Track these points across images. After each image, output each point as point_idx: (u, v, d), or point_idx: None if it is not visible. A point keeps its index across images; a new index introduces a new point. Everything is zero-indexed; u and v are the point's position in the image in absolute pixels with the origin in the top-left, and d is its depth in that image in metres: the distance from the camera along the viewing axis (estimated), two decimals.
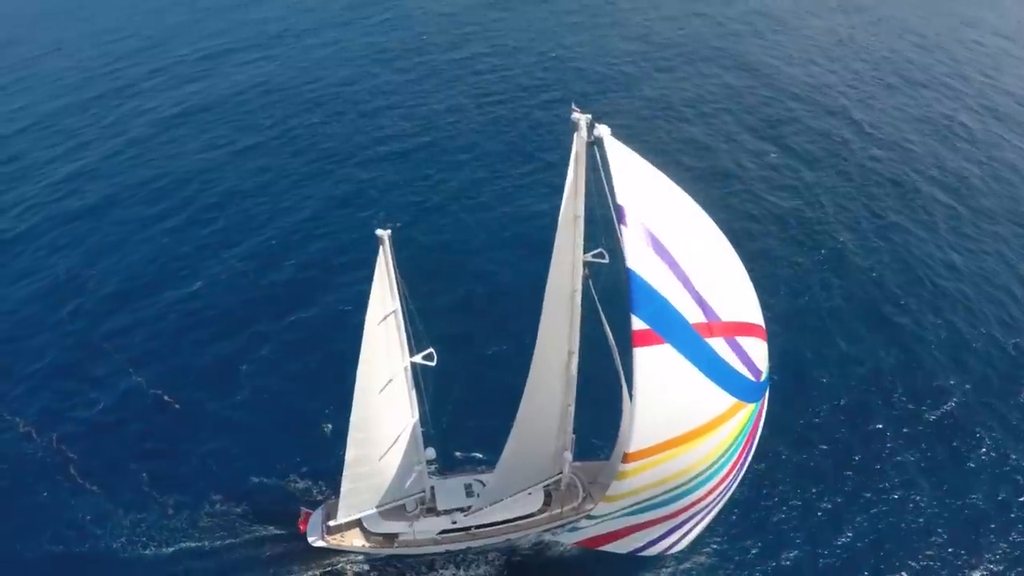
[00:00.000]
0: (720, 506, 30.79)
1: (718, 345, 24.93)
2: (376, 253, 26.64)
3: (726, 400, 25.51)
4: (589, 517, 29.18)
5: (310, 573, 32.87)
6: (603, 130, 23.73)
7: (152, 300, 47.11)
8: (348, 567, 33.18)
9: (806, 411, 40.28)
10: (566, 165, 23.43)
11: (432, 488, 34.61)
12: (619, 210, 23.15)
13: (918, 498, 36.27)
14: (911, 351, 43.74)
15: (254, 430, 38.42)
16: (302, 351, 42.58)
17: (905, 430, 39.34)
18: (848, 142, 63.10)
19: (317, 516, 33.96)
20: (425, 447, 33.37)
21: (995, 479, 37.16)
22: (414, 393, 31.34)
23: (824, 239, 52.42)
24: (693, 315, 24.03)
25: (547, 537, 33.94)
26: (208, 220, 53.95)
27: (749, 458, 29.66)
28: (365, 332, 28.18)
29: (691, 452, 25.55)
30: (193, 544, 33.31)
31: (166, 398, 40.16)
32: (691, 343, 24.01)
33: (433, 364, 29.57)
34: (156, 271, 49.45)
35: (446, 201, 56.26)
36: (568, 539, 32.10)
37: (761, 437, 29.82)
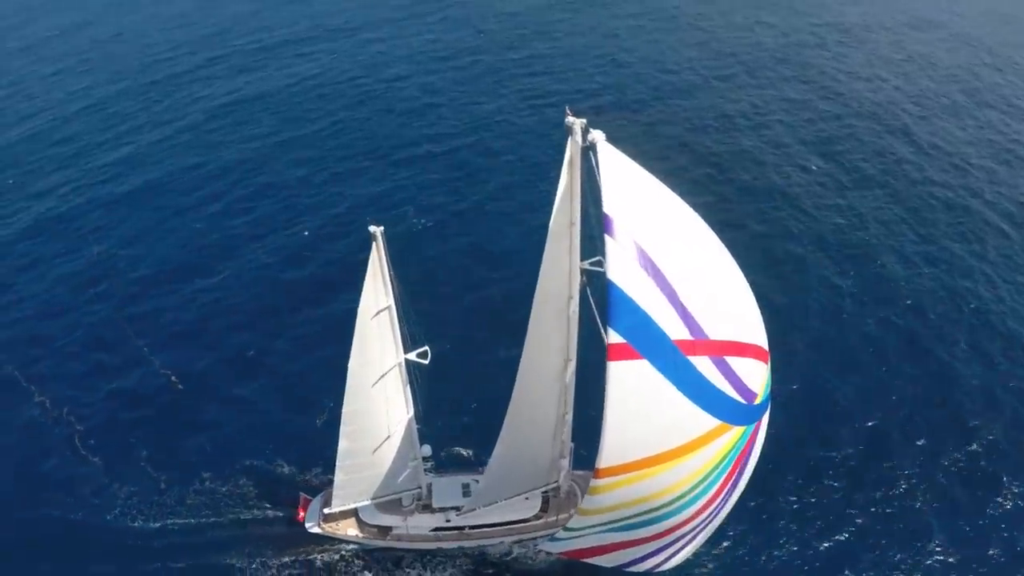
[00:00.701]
0: (710, 528, 29.86)
1: (702, 364, 24.12)
2: (370, 249, 27.33)
3: (708, 421, 24.64)
4: (566, 529, 28.70)
5: (285, 558, 33.29)
6: (597, 135, 23.31)
7: (177, 286, 48.25)
8: (319, 556, 33.58)
9: (820, 440, 38.76)
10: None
11: (429, 485, 34.73)
12: (606, 219, 22.69)
13: (930, 546, 34.31)
14: (942, 386, 41.59)
15: (255, 417, 39.15)
16: (315, 344, 42.96)
17: (925, 470, 37.36)
18: (903, 161, 60.54)
19: (316, 503, 34.58)
20: (421, 444, 33.55)
21: (1017, 530, 34.96)
22: (409, 390, 31.49)
23: (865, 261, 50.40)
24: (676, 331, 23.32)
25: (533, 545, 33.50)
26: (242, 210, 54.93)
27: (742, 482, 28.67)
28: (357, 326, 28.47)
29: (668, 473, 24.79)
30: (180, 520, 34.32)
31: (173, 378, 41.39)
32: (671, 360, 23.27)
33: (426, 363, 29.67)
34: (185, 258, 50.63)
35: (482, 202, 56.01)
36: (552, 548, 31.60)
37: (766, 464, 29.05)
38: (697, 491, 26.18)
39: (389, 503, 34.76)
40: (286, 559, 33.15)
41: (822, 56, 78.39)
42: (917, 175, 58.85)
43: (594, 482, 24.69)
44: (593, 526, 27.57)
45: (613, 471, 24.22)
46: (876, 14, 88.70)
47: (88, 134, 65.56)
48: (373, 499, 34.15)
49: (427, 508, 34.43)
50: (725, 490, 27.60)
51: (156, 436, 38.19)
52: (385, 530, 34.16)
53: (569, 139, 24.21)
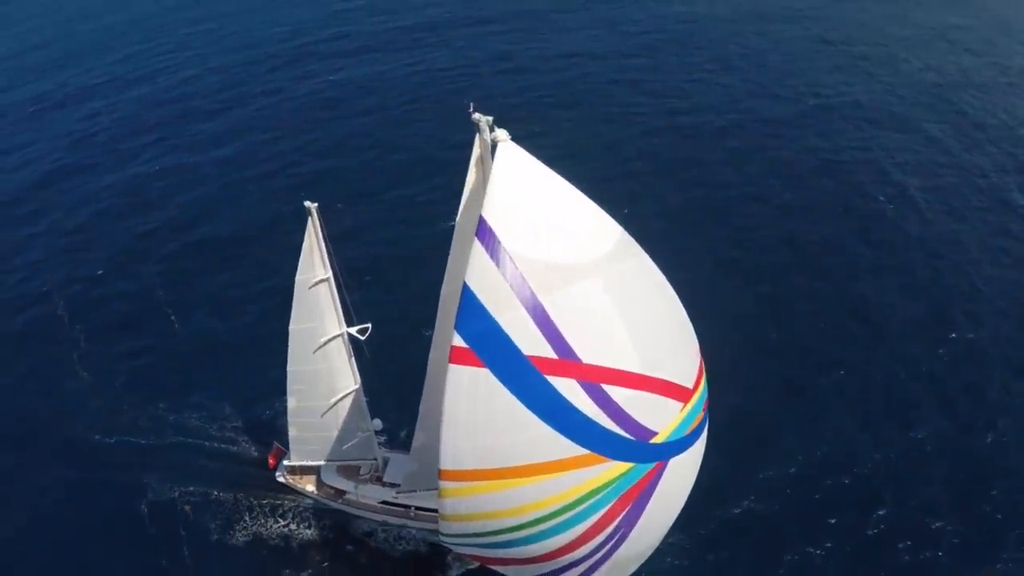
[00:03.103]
0: (613, 568, 28.33)
1: (566, 386, 23.37)
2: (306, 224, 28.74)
3: (569, 447, 23.85)
4: (441, 532, 28.17)
5: (191, 487, 36.25)
6: (500, 134, 23.46)
7: (215, 250, 51.85)
8: (217, 491, 36.31)
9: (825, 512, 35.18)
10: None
11: (387, 460, 35.95)
12: (480, 221, 22.68)
13: None
14: (976, 480, 36.59)
15: (231, 366, 42.10)
16: None
17: None
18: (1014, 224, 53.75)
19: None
20: (373, 418, 34.79)
21: None
22: (354, 362, 32.76)
23: (929, 321, 45.43)
24: (533, 348, 22.88)
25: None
26: (298, 187, 56.14)
27: (646, 523, 26.84)
28: (295, 293, 30.12)
29: (520, 491, 24.27)
30: (130, 439, 38.18)
31: (172, 317, 45.69)
32: (521, 376, 22.85)
33: (363, 339, 30.90)
34: (232, 228, 53.68)
35: None
36: (465, 551, 30.78)
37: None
38: (564, 518, 25.23)
39: (348, 468, 36.45)
40: (192, 487, 36.12)
41: (972, 99, 70.30)
42: None
43: (440, 483, 24.71)
44: (460, 535, 27.26)
45: (455, 476, 24.17)
46: None
47: (193, 98, 71.45)
48: (327, 461, 35.98)
49: (379, 480, 35.73)
50: (612, 526, 26.19)
51: (140, 362, 42.47)
52: (340, 493, 35.81)
53: (477, 137, 24.41)
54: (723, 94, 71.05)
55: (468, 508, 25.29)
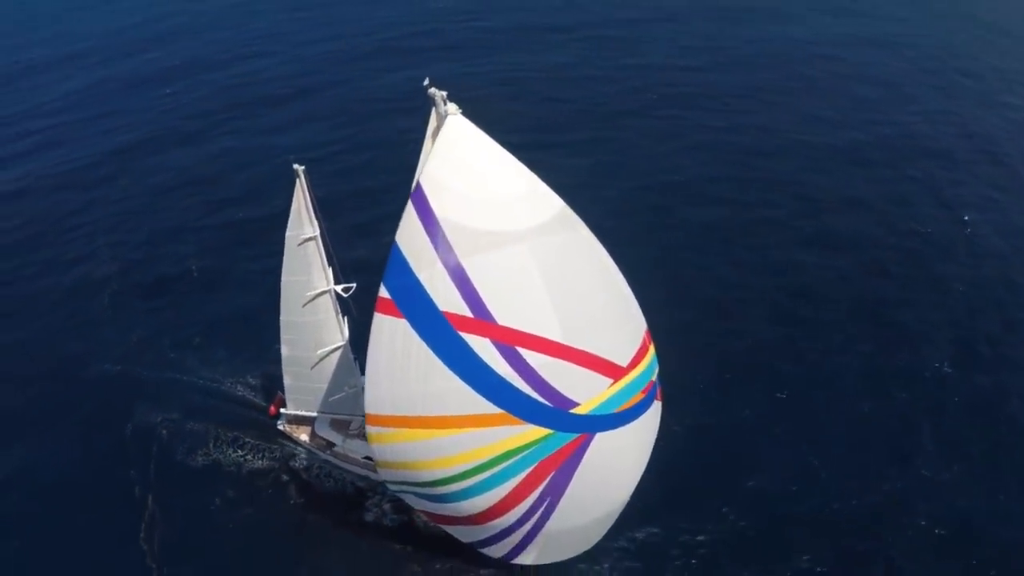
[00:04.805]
0: (548, 541, 29.43)
1: (480, 344, 24.95)
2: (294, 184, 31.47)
3: (482, 404, 25.37)
4: (385, 482, 30.36)
5: (175, 413, 40.42)
6: (451, 108, 25.25)
7: (248, 224, 55.00)
8: (191, 423, 40.18)
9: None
10: None
11: None
12: (416, 185, 24.83)
13: None
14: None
15: (241, 323, 45.36)
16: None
17: None
18: None
19: None
20: (361, 375, 37.29)
21: None
22: (342, 319, 35.49)
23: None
24: (450, 305, 24.66)
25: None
26: (341, 173, 59.36)
27: (578, 497, 27.75)
28: (285, 248, 33.07)
29: (437, 441, 25.99)
30: (136, 368, 42.88)
31: (192, 268, 50.41)
32: (436, 329, 24.70)
33: (346, 296, 33.56)
34: (270, 207, 54.32)
35: None
36: (411, 503, 32.30)
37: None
38: (486, 475, 26.63)
39: (340, 422, 39.13)
40: (174, 415, 40.27)
41: None
42: None
43: (367, 428, 26.97)
44: (398, 483, 29.28)
45: (377, 421, 26.36)
46: None
47: (268, 84, 75.62)
48: (320, 413, 38.85)
49: (363, 435, 38.33)
50: (537, 491, 27.33)
51: (158, 307, 47.14)
52: (329, 445, 38.51)
53: (432, 110, 26.38)
54: (788, 116, 69.65)
55: (394, 455, 27.26)
